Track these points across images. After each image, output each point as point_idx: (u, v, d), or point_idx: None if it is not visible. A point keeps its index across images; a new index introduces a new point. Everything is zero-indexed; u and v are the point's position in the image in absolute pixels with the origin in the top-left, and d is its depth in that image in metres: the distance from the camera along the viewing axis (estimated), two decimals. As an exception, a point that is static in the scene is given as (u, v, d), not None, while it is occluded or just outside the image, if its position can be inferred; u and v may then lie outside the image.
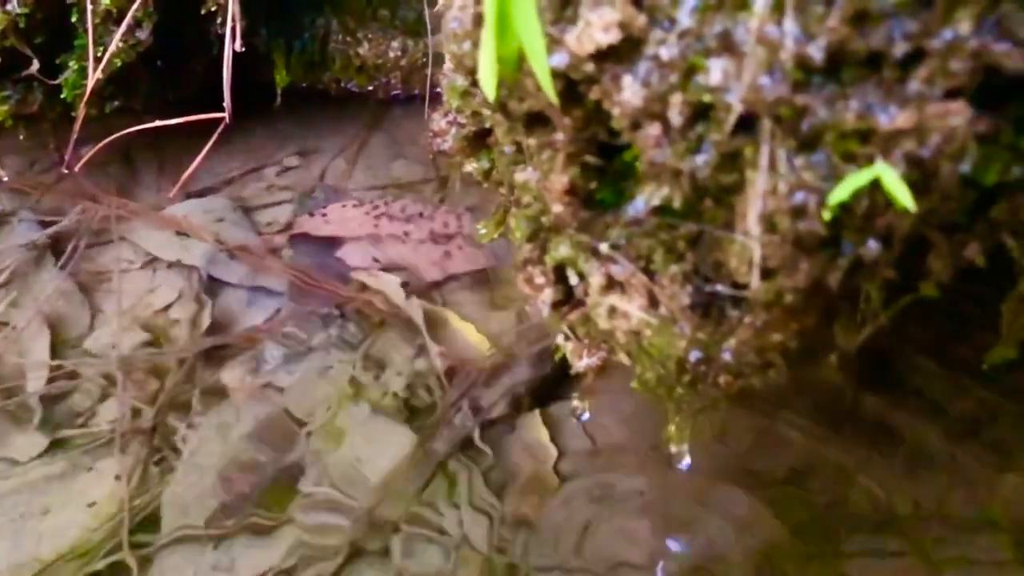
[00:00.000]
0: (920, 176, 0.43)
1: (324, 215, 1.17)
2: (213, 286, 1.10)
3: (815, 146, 0.45)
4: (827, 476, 0.86)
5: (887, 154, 0.43)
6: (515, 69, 0.51)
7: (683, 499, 0.84)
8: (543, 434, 0.93)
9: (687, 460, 0.68)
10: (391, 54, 1.32)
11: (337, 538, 0.83)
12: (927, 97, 0.42)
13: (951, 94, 0.42)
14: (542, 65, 0.48)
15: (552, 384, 0.97)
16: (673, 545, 0.75)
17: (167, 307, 1.07)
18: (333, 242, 1.15)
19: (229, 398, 0.97)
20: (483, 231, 0.82)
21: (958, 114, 0.41)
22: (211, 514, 0.85)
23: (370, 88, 1.36)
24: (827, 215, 0.43)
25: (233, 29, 0.97)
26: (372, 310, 1.07)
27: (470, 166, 0.72)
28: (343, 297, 1.09)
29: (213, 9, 1.03)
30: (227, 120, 0.99)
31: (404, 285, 1.09)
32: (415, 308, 1.06)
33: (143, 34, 1.04)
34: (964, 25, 0.40)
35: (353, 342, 1.03)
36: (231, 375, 1.00)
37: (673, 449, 0.64)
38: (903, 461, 0.88)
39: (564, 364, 0.80)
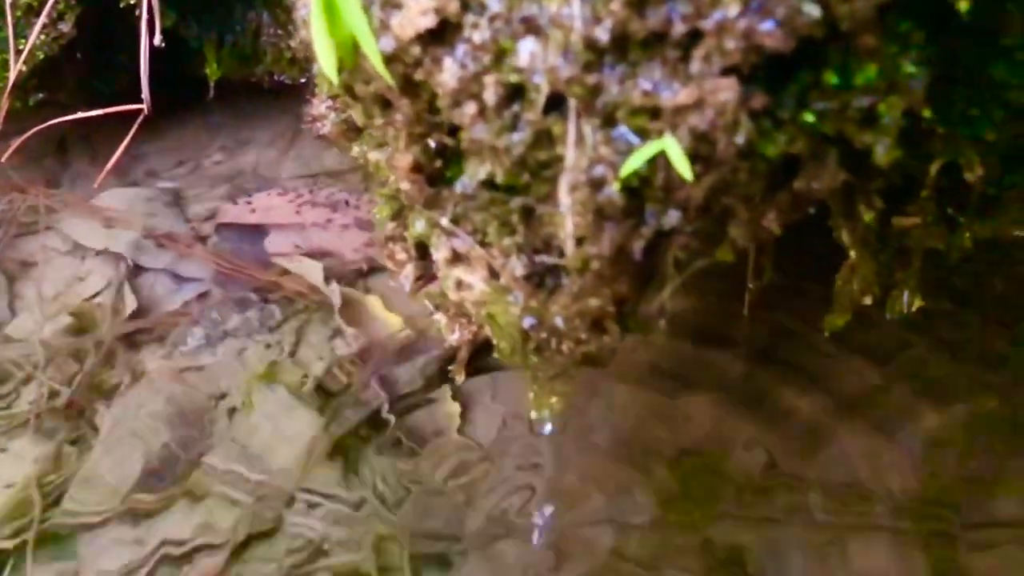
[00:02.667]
0: (709, 149, 0.47)
1: (249, 203, 1.20)
2: (139, 273, 1.13)
3: (615, 122, 0.48)
4: (717, 449, 0.90)
5: (675, 129, 0.46)
6: (353, 53, 0.54)
7: (574, 470, 0.88)
8: (451, 408, 0.97)
9: (548, 426, 0.71)
10: (322, 47, 1.35)
11: (240, 511, 0.86)
12: (707, 75, 0.45)
13: (729, 72, 0.45)
14: (373, 49, 0.52)
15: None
16: (546, 512, 0.78)
17: (93, 294, 1.10)
18: (259, 230, 1.18)
19: (147, 379, 1.00)
20: (379, 216, 0.85)
21: (728, 90, 0.44)
22: (122, 491, 0.88)
23: (303, 80, 1.39)
24: (616, 186, 0.47)
25: (151, 22, 1.00)
26: (294, 295, 1.10)
27: (354, 150, 0.75)
28: (266, 282, 1.12)
29: (132, 2, 1.05)
30: (146, 112, 1.02)
31: (326, 271, 1.12)
32: (334, 292, 1.09)
33: (65, 27, 1.06)
34: (732, 7, 0.44)
35: (273, 326, 1.07)
36: (150, 358, 1.03)
37: (534, 415, 0.67)
38: (792, 433, 0.92)
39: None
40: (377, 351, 1.03)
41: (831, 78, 0.47)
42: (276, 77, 1.39)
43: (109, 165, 1.09)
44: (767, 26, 0.43)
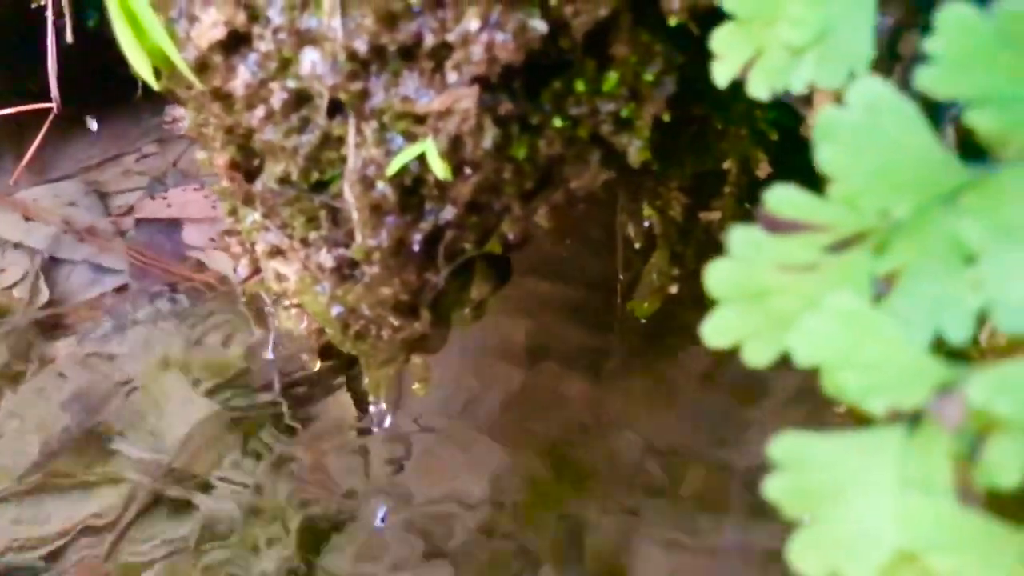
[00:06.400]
0: (464, 152, 0.51)
1: (165, 198, 1.24)
2: (57, 265, 1.17)
3: (389, 127, 0.52)
4: (599, 434, 0.94)
5: (436, 133, 0.50)
6: (168, 60, 0.58)
7: (465, 454, 0.93)
8: (344, 396, 1.01)
9: (389, 419, 0.76)
10: (247, 45, 1.39)
11: (132, 492, 0.91)
12: (458, 84, 0.49)
13: (478, 81, 0.49)
14: (177, 58, 0.56)
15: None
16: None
17: (9, 285, 1.14)
18: (175, 224, 1.23)
19: (53, 366, 1.04)
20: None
21: (469, 97, 0.48)
22: (23, 471, 0.93)
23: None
24: (381, 185, 0.51)
25: (58, 20, 1.04)
26: (204, 287, 1.15)
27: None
28: (179, 275, 1.16)
29: (43, 3, 1.09)
30: (56, 110, 1.06)
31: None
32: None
33: (-19, 27, 1.10)
34: (474, 22, 0.48)
35: (181, 315, 1.11)
36: (60, 346, 1.07)
37: (372, 399, 0.71)
38: (674, 419, 0.95)
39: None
40: (279, 341, 1.08)
41: (580, 85, 0.51)
42: (204, 75, 1.42)
43: (24, 161, 1.13)
44: (502, 39, 0.48)
